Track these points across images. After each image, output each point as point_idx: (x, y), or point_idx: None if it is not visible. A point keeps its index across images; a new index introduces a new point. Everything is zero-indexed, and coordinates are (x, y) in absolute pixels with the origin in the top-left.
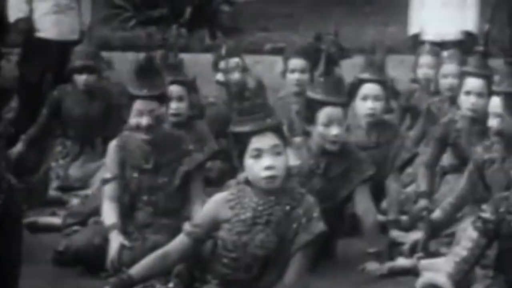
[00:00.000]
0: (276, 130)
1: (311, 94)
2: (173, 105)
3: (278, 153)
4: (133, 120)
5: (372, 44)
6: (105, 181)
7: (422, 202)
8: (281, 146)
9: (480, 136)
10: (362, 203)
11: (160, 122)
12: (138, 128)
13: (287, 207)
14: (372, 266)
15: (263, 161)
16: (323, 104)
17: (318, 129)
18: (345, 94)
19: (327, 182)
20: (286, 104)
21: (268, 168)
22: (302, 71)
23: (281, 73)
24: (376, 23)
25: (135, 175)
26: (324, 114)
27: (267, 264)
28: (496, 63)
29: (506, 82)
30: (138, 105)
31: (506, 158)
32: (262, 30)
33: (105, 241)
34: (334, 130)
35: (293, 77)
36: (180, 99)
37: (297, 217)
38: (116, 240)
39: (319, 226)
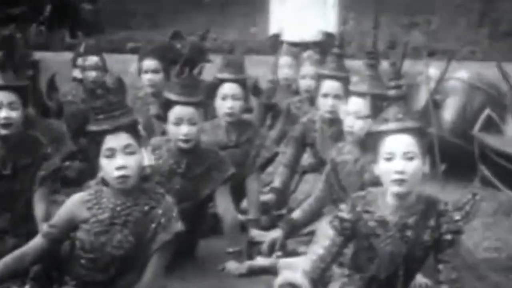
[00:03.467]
0: (130, 129)
1: (165, 93)
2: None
3: (131, 153)
4: None
5: (231, 44)
6: None
7: (269, 196)
8: (135, 145)
9: (337, 137)
10: (222, 203)
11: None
12: None
13: (146, 207)
14: (232, 265)
15: (115, 160)
16: (175, 103)
17: (169, 128)
18: (199, 94)
19: (188, 181)
20: (144, 104)
21: (120, 168)
22: (155, 71)
23: (137, 73)
24: (238, 23)
25: None
26: (174, 113)
27: (125, 264)
28: (359, 64)
29: (366, 83)
30: None
31: (359, 159)
32: (124, 28)
33: None
34: (184, 129)
35: (146, 77)
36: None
37: (156, 217)
38: None
39: (178, 226)
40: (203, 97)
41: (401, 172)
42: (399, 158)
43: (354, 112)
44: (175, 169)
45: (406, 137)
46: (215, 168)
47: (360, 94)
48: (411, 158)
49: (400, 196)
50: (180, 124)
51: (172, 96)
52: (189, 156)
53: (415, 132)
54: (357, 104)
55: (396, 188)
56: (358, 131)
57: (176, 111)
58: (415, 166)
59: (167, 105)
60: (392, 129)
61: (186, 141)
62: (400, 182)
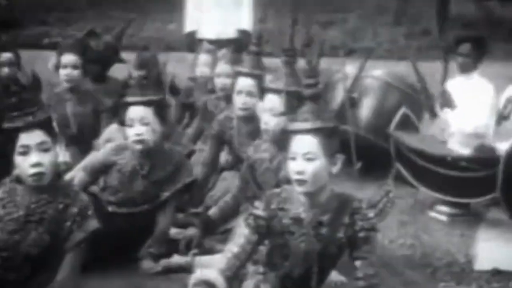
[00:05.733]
0: (44, 126)
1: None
2: None
3: (46, 150)
4: None
5: (146, 41)
6: None
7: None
8: (50, 142)
9: (254, 135)
10: (167, 207)
11: None
12: None
13: (61, 205)
14: (147, 264)
15: (30, 158)
16: (128, 104)
17: (126, 130)
18: (153, 94)
19: (151, 184)
20: (60, 100)
21: (34, 165)
22: (73, 67)
23: (54, 68)
24: (156, 20)
25: None
26: (128, 114)
27: (40, 263)
28: (277, 62)
29: (282, 80)
30: None
31: (275, 157)
32: (41, 24)
33: None
34: (136, 129)
35: (64, 72)
36: None
37: (71, 215)
38: None
39: (93, 224)
40: (160, 96)
41: (301, 173)
42: (300, 158)
43: (269, 109)
44: (138, 170)
45: (309, 138)
46: (178, 171)
47: (276, 91)
48: (311, 159)
49: (308, 195)
50: (133, 125)
51: (126, 97)
52: (152, 159)
53: (320, 132)
54: (272, 101)
55: (298, 188)
56: (273, 128)
57: (129, 112)
58: (315, 167)
59: (124, 107)
60: (296, 129)
61: (138, 141)
62: (301, 182)
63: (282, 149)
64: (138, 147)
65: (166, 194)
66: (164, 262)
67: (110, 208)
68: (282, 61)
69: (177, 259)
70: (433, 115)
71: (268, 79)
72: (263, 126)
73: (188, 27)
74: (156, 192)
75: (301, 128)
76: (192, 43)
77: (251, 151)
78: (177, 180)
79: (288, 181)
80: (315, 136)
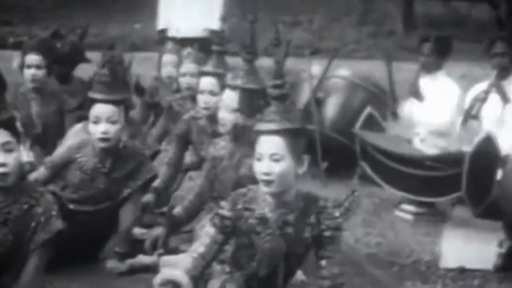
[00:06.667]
0: (8, 126)
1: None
2: None
3: (10, 150)
4: None
5: (112, 41)
6: None
7: (148, 196)
8: (14, 143)
9: (217, 133)
10: (130, 204)
11: None
12: None
13: (25, 206)
14: (112, 264)
15: None
16: (94, 101)
17: (90, 127)
18: (119, 92)
19: (112, 181)
20: (25, 100)
21: None
22: (38, 67)
23: (19, 68)
24: (122, 20)
25: None
26: (93, 111)
27: (4, 263)
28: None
29: (242, 77)
30: None
31: (234, 154)
32: (5, 24)
33: None
34: (102, 127)
35: (29, 72)
36: None
37: (35, 215)
38: None
39: (57, 225)
40: (126, 96)
41: (267, 174)
42: (266, 159)
43: (226, 106)
44: (99, 168)
45: (275, 139)
46: (139, 168)
47: (233, 88)
48: (277, 160)
49: (274, 195)
50: (99, 123)
51: (92, 94)
52: (113, 156)
53: (286, 133)
54: (229, 98)
55: (264, 188)
56: (229, 124)
57: (95, 109)
58: (282, 167)
59: (89, 104)
60: (262, 130)
61: (104, 139)
62: (267, 182)
63: (240, 145)
64: (103, 145)
65: (127, 191)
66: (129, 262)
67: (71, 206)
68: (241, 59)
69: (142, 258)
70: (395, 116)
71: (228, 76)
72: (220, 122)
73: (159, 26)
74: (118, 189)
75: (268, 129)
76: (161, 42)
77: (211, 149)
78: (138, 177)
79: (249, 177)
80: (282, 137)
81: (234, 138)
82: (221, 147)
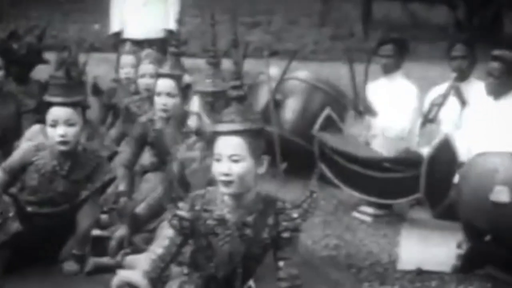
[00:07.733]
0: None
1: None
2: None
3: None
4: None
5: (69, 42)
6: None
7: (122, 201)
8: None
9: (181, 135)
10: (88, 206)
11: None
12: None
13: None
14: (69, 266)
15: None
16: (51, 104)
17: (47, 130)
18: (77, 94)
19: (70, 184)
20: None
21: None
22: None
23: None
24: (78, 20)
25: None
26: (50, 114)
27: None
28: (200, 62)
29: (206, 81)
30: None
31: (206, 157)
32: None
33: None
34: (60, 130)
35: None
36: None
37: None
38: None
39: (15, 227)
40: (82, 97)
41: (227, 174)
42: (225, 160)
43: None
44: (57, 171)
45: (235, 139)
46: (97, 170)
47: (204, 93)
48: (237, 161)
49: (233, 196)
50: (56, 126)
51: (48, 97)
52: (72, 159)
53: (246, 134)
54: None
55: (224, 189)
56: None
57: (52, 113)
58: (242, 168)
59: (45, 107)
60: (221, 130)
61: (63, 142)
62: (227, 183)
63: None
64: (62, 148)
65: (86, 193)
66: (93, 261)
67: (30, 209)
68: (206, 62)
69: (105, 259)
70: (359, 113)
71: (195, 80)
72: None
73: (113, 27)
74: (76, 192)
75: (228, 129)
76: (116, 43)
77: (183, 150)
78: (96, 179)
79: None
80: (242, 138)
81: (208, 142)
82: (195, 148)
